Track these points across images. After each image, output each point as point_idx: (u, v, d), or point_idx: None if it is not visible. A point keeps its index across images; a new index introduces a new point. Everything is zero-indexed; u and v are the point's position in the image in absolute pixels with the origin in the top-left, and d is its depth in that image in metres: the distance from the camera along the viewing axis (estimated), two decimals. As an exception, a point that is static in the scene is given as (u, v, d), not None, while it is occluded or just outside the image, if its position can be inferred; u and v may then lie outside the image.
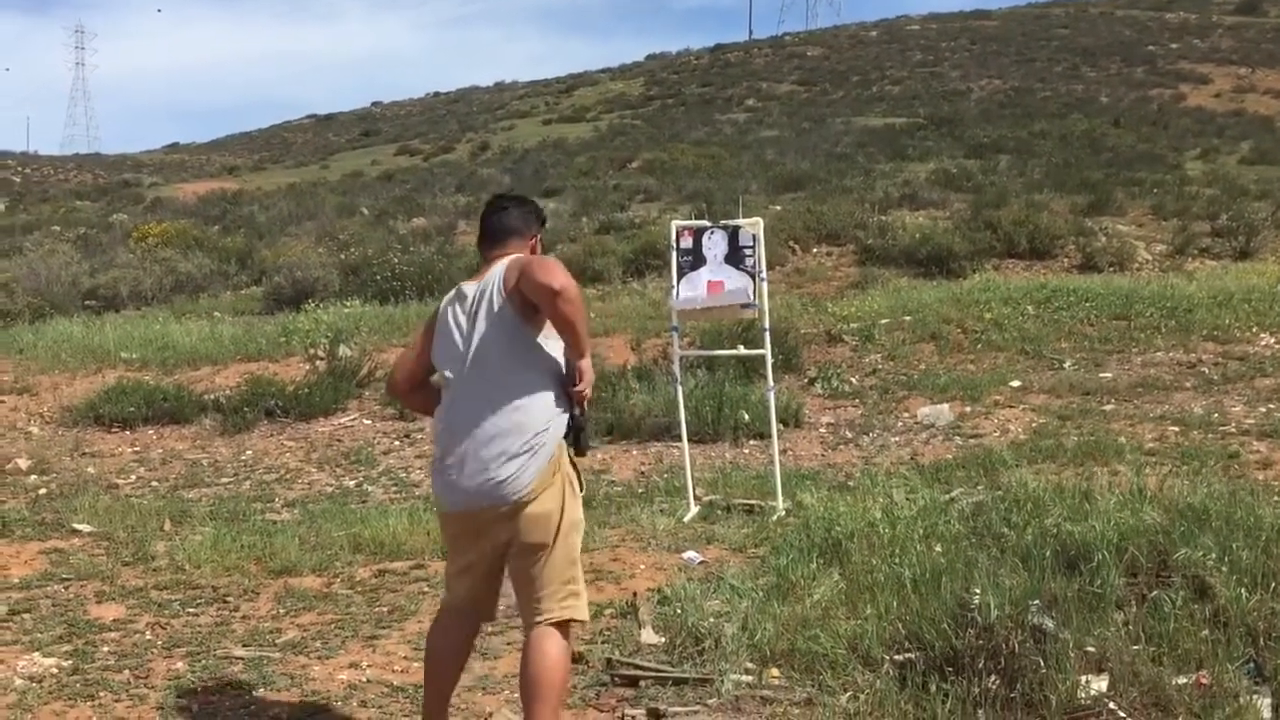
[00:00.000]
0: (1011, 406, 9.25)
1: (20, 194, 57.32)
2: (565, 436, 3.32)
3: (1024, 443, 8.06)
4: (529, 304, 3.24)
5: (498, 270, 3.34)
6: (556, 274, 3.19)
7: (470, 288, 3.41)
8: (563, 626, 3.33)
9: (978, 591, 4.09)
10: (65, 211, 36.53)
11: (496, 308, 3.29)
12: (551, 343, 3.33)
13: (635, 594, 4.98)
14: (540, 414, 3.27)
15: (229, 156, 76.64)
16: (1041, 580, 4.39)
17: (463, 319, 3.37)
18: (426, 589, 5.24)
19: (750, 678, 4.05)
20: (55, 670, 4.30)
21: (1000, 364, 10.68)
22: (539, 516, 3.27)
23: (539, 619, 3.31)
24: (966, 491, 6.30)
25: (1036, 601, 4.07)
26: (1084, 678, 3.74)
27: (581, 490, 3.42)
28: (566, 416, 3.31)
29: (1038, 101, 40.43)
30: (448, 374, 3.41)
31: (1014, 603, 4.01)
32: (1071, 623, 4.00)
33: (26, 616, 4.91)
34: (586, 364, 3.37)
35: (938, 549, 4.97)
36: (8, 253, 24.03)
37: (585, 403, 3.43)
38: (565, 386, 3.36)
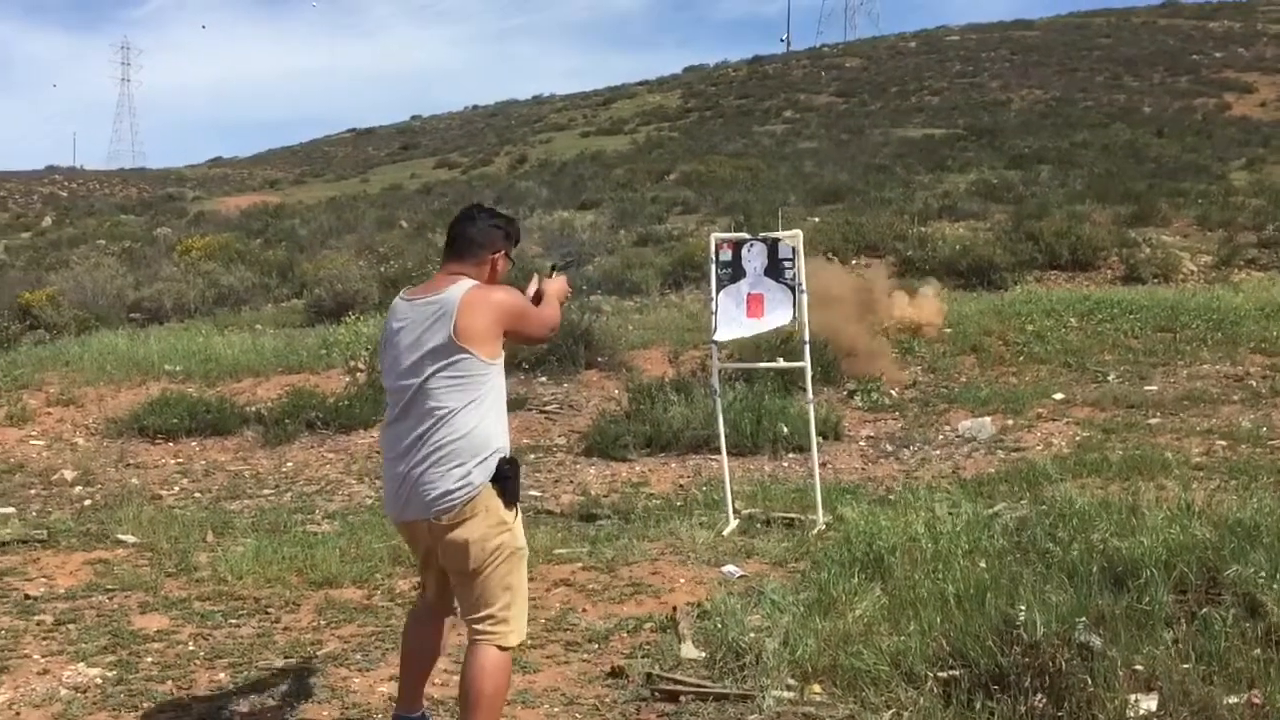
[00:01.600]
0: (1054, 420, 9.15)
1: (67, 208, 58.24)
2: (494, 481, 3.37)
3: (1068, 456, 7.96)
4: (488, 340, 3.38)
5: (454, 299, 3.37)
6: (536, 326, 3.58)
7: (420, 303, 3.45)
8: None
9: (1023, 608, 4.03)
10: (110, 225, 37.06)
11: (445, 340, 3.34)
12: (495, 371, 3.43)
13: (675, 608, 4.95)
14: (473, 446, 3.35)
15: (270, 170, 77.51)
16: (1088, 597, 4.33)
17: (410, 336, 3.42)
18: (466, 601, 5.24)
19: (792, 694, 4.01)
20: (100, 680, 4.33)
21: (1043, 376, 10.56)
22: (459, 544, 3.36)
23: (474, 636, 3.46)
24: (1010, 506, 6.23)
25: (1083, 619, 4.01)
26: (1133, 697, 3.67)
27: (513, 516, 3.46)
28: (499, 457, 3.39)
29: (1079, 111, 40.09)
30: (393, 388, 3.49)
31: (1060, 620, 3.96)
32: (1119, 640, 3.94)
33: (72, 627, 4.96)
34: (558, 306, 3.74)
35: (982, 564, 4.91)
36: (55, 266, 24.40)
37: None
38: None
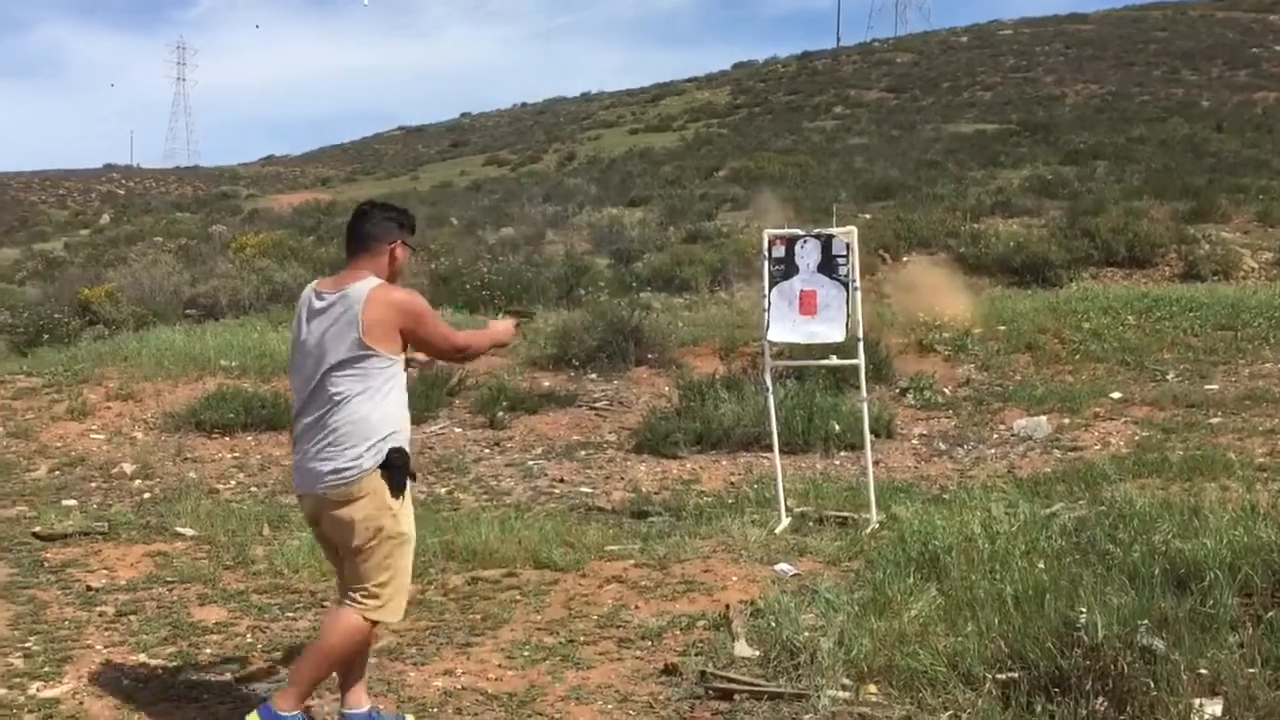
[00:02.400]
0: (1112, 419, 9.01)
1: (124, 206, 59.27)
2: (383, 468, 3.59)
3: (1126, 456, 7.84)
4: (387, 337, 3.61)
5: (359, 297, 3.61)
6: (438, 337, 3.78)
7: (328, 297, 3.69)
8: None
9: (1084, 610, 3.96)
10: (167, 223, 37.66)
11: (352, 337, 3.59)
12: (397, 365, 3.68)
13: (728, 606, 4.92)
14: (365, 431, 3.58)
15: (322, 168, 78.32)
16: (1150, 599, 4.25)
17: (316, 329, 3.67)
18: (519, 597, 5.26)
19: (847, 694, 3.98)
20: (161, 671, 4.40)
21: (1100, 375, 10.41)
22: (345, 520, 3.61)
23: (345, 601, 3.71)
24: (1068, 506, 6.14)
25: (1145, 621, 3.93)
26: (1197, 701, 3.61)
27: (400, 503, 3.66)
28: (390, 446, 3.61)
29: (1136, 106, 39.43)
30: (299, 377, 3.74)
31: (1122, 622, 3.89)
32: (1183, 644, 3.87)
33: (133, 618, 5.03)
34: (486, 339, 4.03)
35: (1040, 565, 4.84)
36: (113, 263, 24.84)
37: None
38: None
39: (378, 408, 3.61)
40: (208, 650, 4.66)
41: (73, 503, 7.52)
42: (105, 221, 45.34)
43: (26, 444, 9.56)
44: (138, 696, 4.14)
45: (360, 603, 3.66)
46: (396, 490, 3.64)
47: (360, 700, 3.86)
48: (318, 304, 3.70)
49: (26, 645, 4.67)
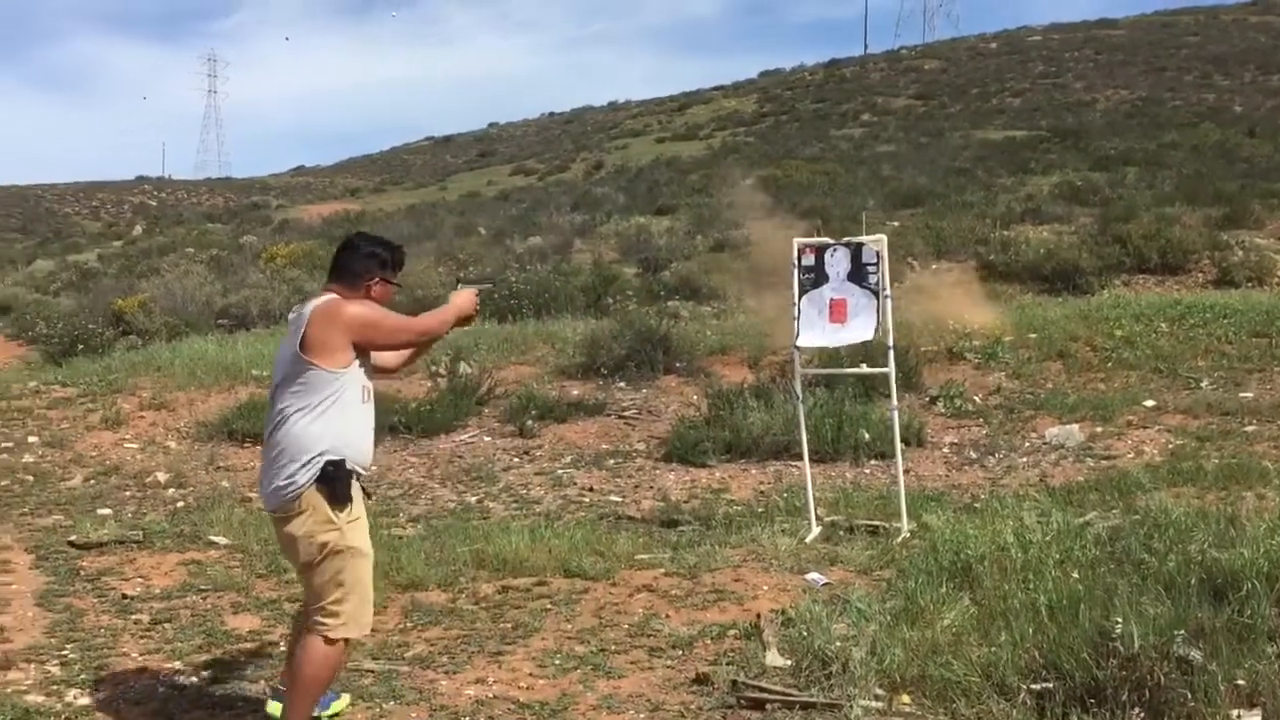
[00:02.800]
0: (1146, 427, 8.93)
1: (156, 217, 59.86)
2: (320, 482, 3.64)
3: (1160, 465, 7.77)
4: (330, 351, 3.68)
5: (307, 313, 3.73)
6: (394, 333, 3.88)
7: (292, 315, 3.88)
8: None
9: (1119, 620, 3.93)
10: (198, 234, 38.01)
11: (293, 351, 3.70)
12: (342, 379, 3.71)
13: (759, 615, 4.92)
14: (299, 448, 3.65)
15: (351, 179, 78.81)
16: (1187, 609, 4.21)
17: (282, 345, 3.83)
18: (549, 606, 5.27)
19: (880, 704, 3.96)
20: (195, 679, 4.43)
21: (1132, 383, 10.32)
22: (289, 537, 3.70)
23: (310, 624, 3.75)
24: (1101, 515, 6.09)
25: (1182, 631, 3.90)
26: (1235, 712, 3.58)
27: (344, 517, 3.70)
28: (325, 460, 3.65)
29: (1167, 112, 39.10)
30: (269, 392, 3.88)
31: (1158, 632, 3.86)
32: (1220, 654, 3.83)
33: (168, 626, 5.08)
34: (449, 313, 4.01)
35: (1074, 575, 4.81)
36: (146, 274, 25.09)
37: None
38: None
39: (315, 423, 3.65)
40: (241, 658, 4.69)
41: (107, 511, 7.59)
42: (138, 233, 45.80)
43: (62, 453, 9.66)
44: (172, 704, 4.18)
45: (322, 623, 3.71)
46: (336, 504, 3.66)
47: None
48: (290, 322, 3.85)
49: (63, 653, 4.72)
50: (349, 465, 3.70)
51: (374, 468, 3.95)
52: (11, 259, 40.21)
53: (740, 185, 21.70)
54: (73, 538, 6.65)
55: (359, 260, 3.88)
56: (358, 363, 3.77)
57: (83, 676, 4.43)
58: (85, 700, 4.21)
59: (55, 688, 4.32)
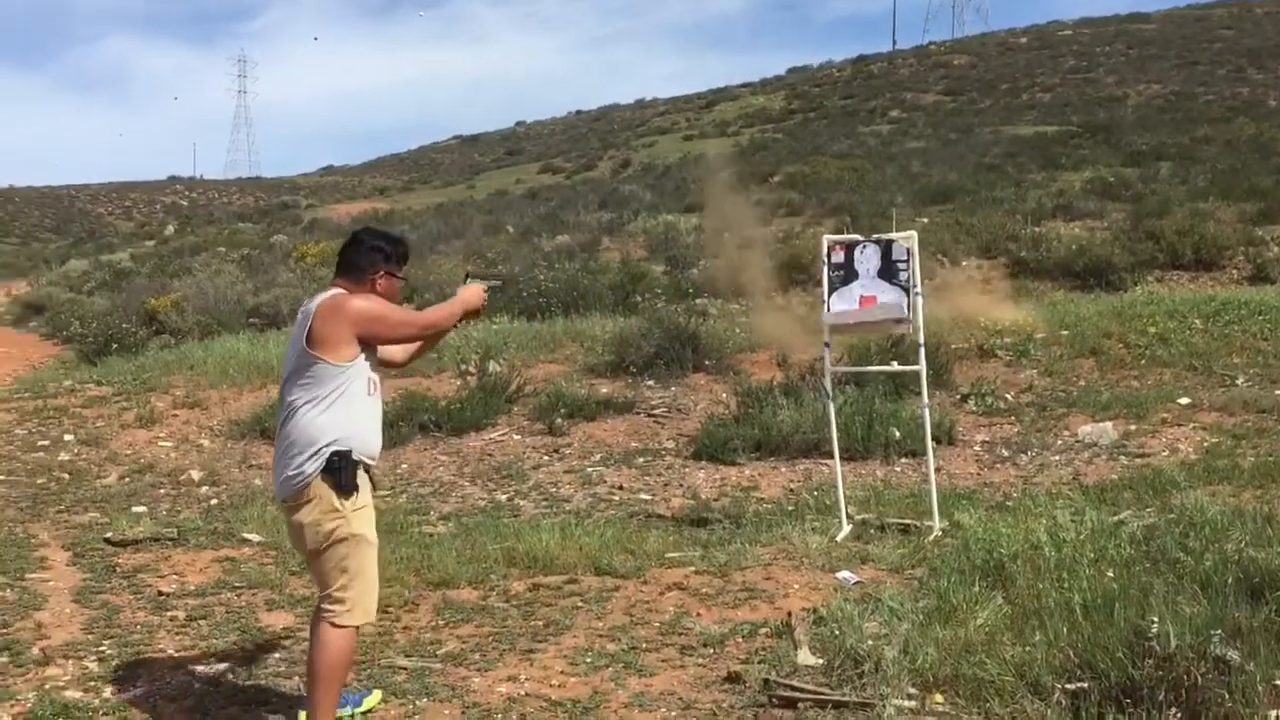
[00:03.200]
0: (1180, 425, 8.84)
1: (188, 217, 60.39)
2: (326, 472, 3.73)
3: (1195, 463, 7.69)
4: (335, 345, 3.74)
5: (314, 307, 3.81)
6: (396, 326, 3.90)
7: (301, 309, 3.93)
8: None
9: (1155, 619, 3.90)
10: (229, 233, 38.32)
11: (301, 346, 3.78)
12: (349, 372, 3.78)
13: (790, 614, 4.91)
14: (308, 439, 3.74)
15: (380, 178, 79.19)
16: (1223, 609, 4.17)
17: (291, 339, 3.91)
18: (580, 604, 5.28)
19: (913, 703, 3.94)
20: (230, 675, 4.47)
21: (1166, 380, 10.22)
22: (298, 525, 3.79)
23: (319, 613, 3.82)
24: (1136, 514, 6.03)
25: (1219, 631, 3.85)
26: (1273, 713, 3.54)
27: (350, 506, 3.76)
28: (331, 450, 3.72)
29: (1200, 106, 38.69)
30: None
31: (1195, 632, 3.82)
32: (1258, 654, 3.79)
33: (203, 623, 5.12)
34: (457, 306, 4.04)
35: (1109, 574, 4.77)
36: (178, 273, 25.32)
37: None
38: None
39: (322, 415, 3.73)
40: (276, 655, 4.73)
41: (142, 509, 7.67)
42: (170, 232, 46.24)
43: (97, 451, 9.77)
44: (208, 699, 4.21)
45: (329, 609, 3.79)
46: (342, 493, 3.74)
47: None
48: (298, 317, 3.92)
49: (101, 649, 4.77)
50: (355, 456, 3.78)
51: (378, 463, 3.98)
52: (46, 259, 40.72)
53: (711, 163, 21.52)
54: (109, 535, 6.73)
55: (363, 255, 3.95)
56: (363, 356, 3.83)
57: (120, 672, 4.48)
58: (122, 696, 4.25)
59: (93, 683, 4.37)
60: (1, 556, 6.36)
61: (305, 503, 3.75)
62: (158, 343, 16.20)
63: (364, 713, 4.06)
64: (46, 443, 10.18)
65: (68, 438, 10.31)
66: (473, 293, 4.12)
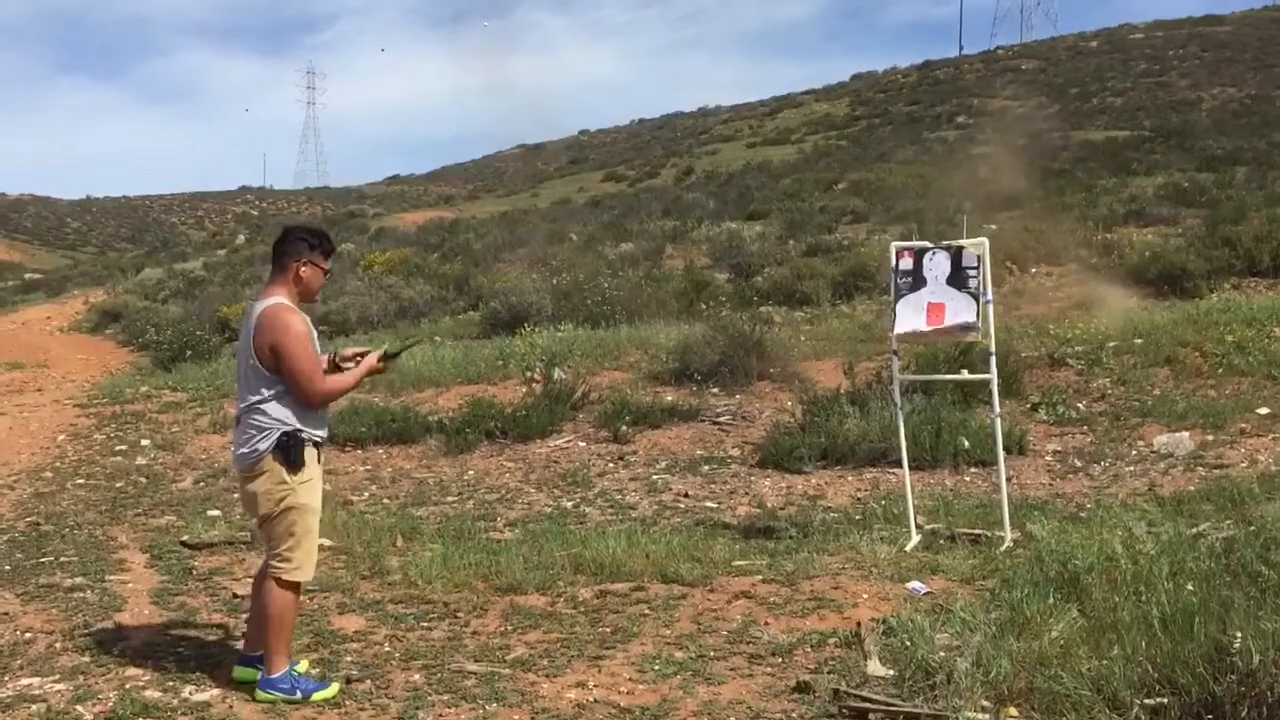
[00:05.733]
0: (1260, 435, 8.62)
1: (258, 226, 61.44)
2: (277, 449, 4.23)
3: (1276, 474, 7.49)
4: (266, 354, 4.23)
5: (255, 315, 4.29)
6: (296, 373, 4.21)
7: (249, 308, 4.44)
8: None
9: (1237, 634, 3.80)
10: (299, 242, 38.79)
11: (249, 347, 4.27)
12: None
13: (859, 624, 4.86)
14: (261, 421, 4.25)
15: (445, 187, 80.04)
16: (1308, 624, 4.04)
17: (241, 334, 4.42)
18: (647, 611, 5.28)
19: (986, 716, 3.88)
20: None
21: (1245, 390, 9.97)
22: (249, 493, 4.32)
23: (266, 569, 4.35)
24: (1215, 526, 5.89)
25: (1304, 647, 3.75)
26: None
27: (297, 480, 4.25)
28: (280, 431, 4.23)
29: (1277, 110, 37.80)
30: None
31: (1278, 647, 3.71)
32: (1344, 671, 3.67)
33: (276, 625, 5.19)
34: (352, 381, 4.51)
35: (1188, 587, 4.66)
36: (249, 281, 25.78)
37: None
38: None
39: (272, 403, 4.24)
40: (347, 658, 4.79)
41: (217, 513, 7.81)
42: (240, 241, 47.06)
43: (173, 456, 9.98)
44: (282, 703, 4.27)
45: (276, 567, 4.29)
46: (291, 468, 4.24)
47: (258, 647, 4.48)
48: (246, 316, 4.41)
49: (179, 650, 4.87)
50: (304, 436, 4.27)
51: (326, 439, 4.48)
52: (122, 267, 41.66)
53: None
54: (185, 538, 6.87)
55: (289, 245, 4.39)
56: None
57: (198, 673, 4.56)
58: (201, 696, 4.33)
59: (172, 684, 4.45)
60: (83, 559, 6.52)
61: (258, 475, 4.25)
62: (230, 349, 16.50)
63: (323, 700, 4.29)
64: (124, 447, 10.43)
65: (144, 442, 10.54)
66: (368, 364, 4.56)
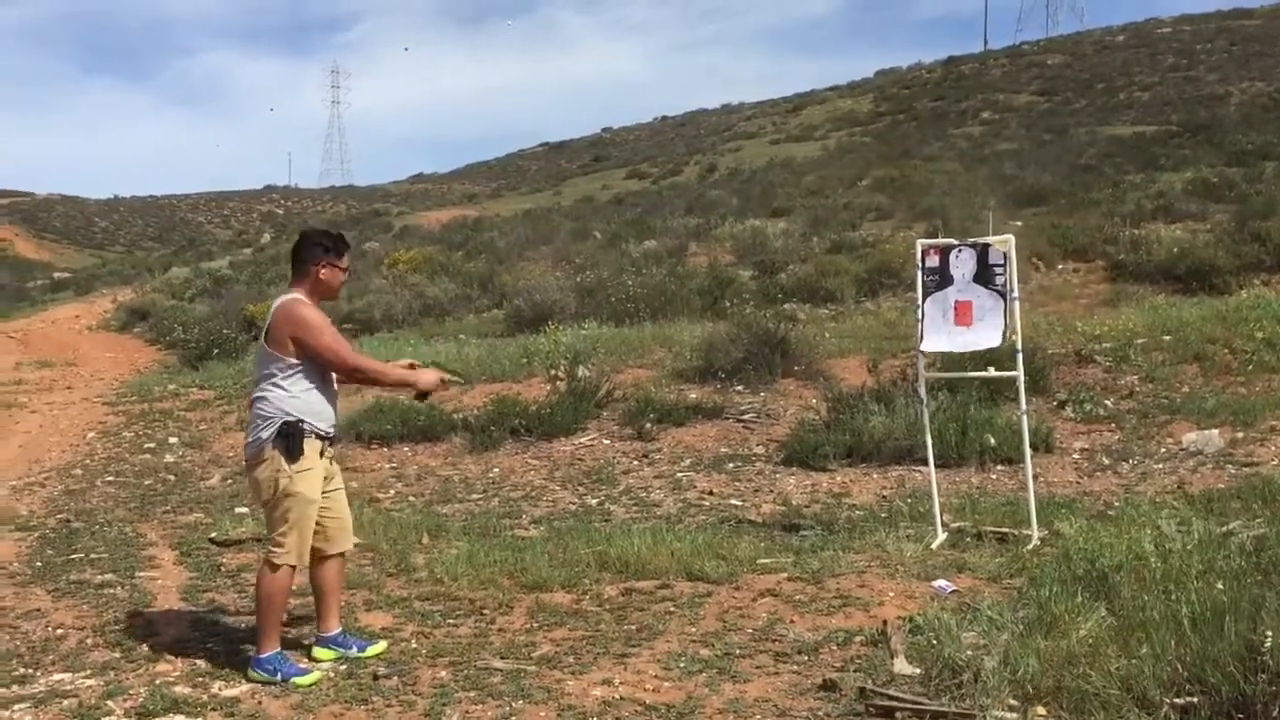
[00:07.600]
0: (1290, 433, 8.53)
1: (284, 225, 61.81)
2: (279, 438, 4.44)
3: (1307, 472, 7.41)
4: (282, 343, 4.48)
5: (274, 308, 4.58)
6: (323, 348, 4.49)
7: (270, 306, 4.71)
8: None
9: (1269, 633, 3.77)
10: (324, 241, 38.95)
11: (262, 339, 4.56)
12: (299, 364, 4.49)
13: (885, 622, 4.85)
14: (267, 413, 4.49)
15: (468, 185, 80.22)
16: (1342, 624, 4.00)
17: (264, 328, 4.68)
18: (673, 609, 5.28)
19: (1014, 715, 3.86)
20: (332, 674, 4.56)
21: (1275, 387, 9.86)
22: (253, 480, 4.59)
23: (265, 553, 4.61)
24: (1246, 524, 5.84)
25: (1337, 647, 3.71)
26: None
27: (295, 469, 4.45)
28: (282, 422, 4.45)
29: (1307, 103, 37.39)
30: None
31: (1311, 648, 3.68)
32: (1378, 671, 3.63)
33: (304, 624, 5.22)
34: (392, 374, 4.85)
35: (1219, 586, 4.61)
36: (274, 280, 25.92)
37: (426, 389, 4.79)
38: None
39: (279, 394, 4.47)
40: (377, 654, 4.80)
41: (244, 510, 7.86)
42: (266, 240, 47.35)
43: (201, 453, 10.06)
44: (311, 698, 4.30)
45: (272, 551, 4.53)
46: (290, 457, 4.44)
47: (331, 626, 4.79)
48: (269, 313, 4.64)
49: (208, 646, 4.91)
50: (306, 427, 4.47)
51: (334, 432, 4.70)
52: (149, 266, 42.00)
53: None
54: (213, 535, 6.93)
55: (306, 249, 4.63)
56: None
57: (227, 669, 4.60)
58: (230, 692, 4.36)
59: (201, 679, 4.49)
60: (113, 555, 6.59)
61: (260, 462, 4.48)
62: (256, 348, 16.61)
63: (303, 685, 4.41)
64: (153, 445, 10.52)
65: (172, 440, 10.63)
66: (429, 375, 4.81)
